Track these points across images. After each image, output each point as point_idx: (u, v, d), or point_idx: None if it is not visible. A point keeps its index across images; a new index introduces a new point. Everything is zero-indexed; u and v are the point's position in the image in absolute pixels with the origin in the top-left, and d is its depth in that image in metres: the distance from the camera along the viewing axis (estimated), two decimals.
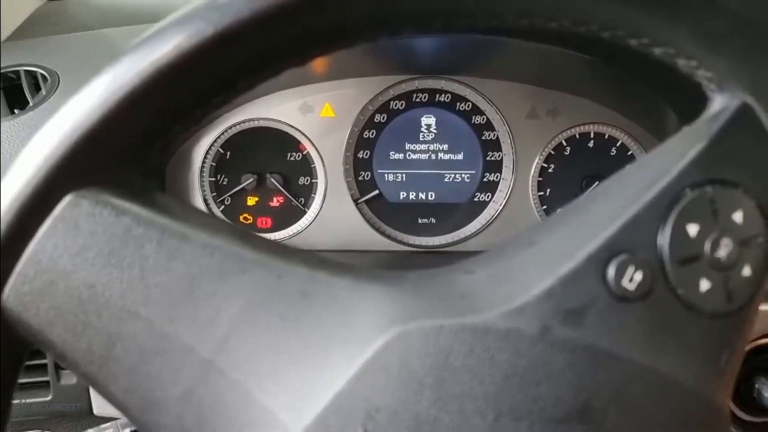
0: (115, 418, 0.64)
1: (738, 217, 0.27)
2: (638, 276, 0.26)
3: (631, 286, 0.26)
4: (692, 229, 0.27)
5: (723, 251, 0.27)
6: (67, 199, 0.26)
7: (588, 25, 0.28)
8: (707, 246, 0.27)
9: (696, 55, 0.29)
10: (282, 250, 0.28)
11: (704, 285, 0.27)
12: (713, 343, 0.27)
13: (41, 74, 0.71)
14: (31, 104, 0.69)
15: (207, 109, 0.29)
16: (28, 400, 0.68)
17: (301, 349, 0.26)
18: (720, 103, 0.29)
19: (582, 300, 0.26)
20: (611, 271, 0.26)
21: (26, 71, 0.72)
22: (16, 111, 0.69)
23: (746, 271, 0.27)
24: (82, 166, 0.26)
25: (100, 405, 0.68)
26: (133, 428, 0.61)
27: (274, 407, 0.25)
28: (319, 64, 0.74)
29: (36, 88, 0.71)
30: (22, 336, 0.27)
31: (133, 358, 0.26)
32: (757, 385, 0.52)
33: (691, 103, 0.32)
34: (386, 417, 0.25)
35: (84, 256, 0.26)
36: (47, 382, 0.68)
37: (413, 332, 0.25)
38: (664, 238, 0.27)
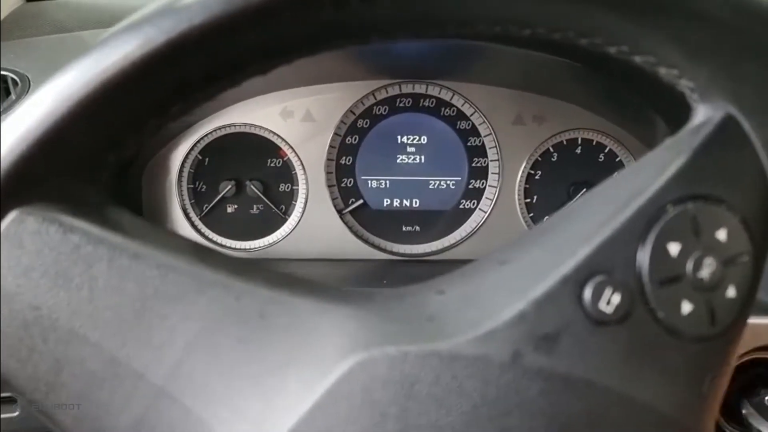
0: None
1: (721, 234, 0.26)
2: (616, 298, 0.25)
3: (608, 309, 0.25)
4: (673, 248, 0.26)
5: (706, 271, 0.26)
6: (11, 216, 0.25)
7: (564, 32, 0.27)
8: (689, 266, 0.26)
9: (677, 64, 0.27)
10: (242, 268, 0.27)
11: (686, 307, 0.26)
12: (695, 367, 0.26)
13: (12, 78, 0.69)
14: (0, 110, 0.67)
15: (164, 119, 0.27)
16: None
17: (259, 373, 0.25)
18: (703, 114, 0.28)
19: (556, 324, 0.25)
20: (587, 294, 0.25)
21: None
22: None
23: (730, 291, 0.26)
24: (27, 181, 0.25)
25: None
26: None
27: None
28: (300, 67, 0.73)
29: (7, 93, 0.69)
30: None
31: (82, 385, 0.25)
32: (744, 411, 0.51)
33: (678, 111, 0.30)
34: None
35: (29, 276, 0.25)
36: (13, 398, 0.66)
37: (377, 359, 0.24)
38: (643, 258, 0.25)
